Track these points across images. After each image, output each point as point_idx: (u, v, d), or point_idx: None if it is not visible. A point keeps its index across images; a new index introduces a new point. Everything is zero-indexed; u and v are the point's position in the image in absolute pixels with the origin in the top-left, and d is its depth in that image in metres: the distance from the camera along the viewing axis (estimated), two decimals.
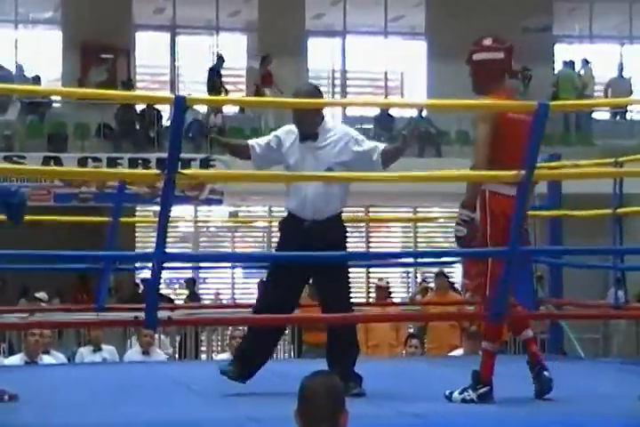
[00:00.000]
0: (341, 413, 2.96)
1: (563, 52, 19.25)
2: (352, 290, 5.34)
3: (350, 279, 5.34)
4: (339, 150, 5.21)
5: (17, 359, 8.03)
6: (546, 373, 4.84)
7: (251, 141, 5.37)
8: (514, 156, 4.58)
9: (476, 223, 4.70)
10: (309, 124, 5.21)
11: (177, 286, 16.31)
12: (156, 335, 9.44)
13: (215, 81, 16.94)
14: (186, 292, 15.22)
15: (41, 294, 12.64)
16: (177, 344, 11.00)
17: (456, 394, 4.79)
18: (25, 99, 15.87)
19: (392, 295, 13.60)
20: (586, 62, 18.51)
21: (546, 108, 4.52)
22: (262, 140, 5.34)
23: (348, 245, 5.37)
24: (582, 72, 18.38)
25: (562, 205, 7.53)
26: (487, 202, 4.71)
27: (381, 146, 5.32)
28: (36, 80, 16.19)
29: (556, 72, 18.50)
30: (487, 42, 5.01)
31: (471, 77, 4.98)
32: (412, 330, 11.05)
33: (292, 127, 5.34)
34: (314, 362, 5.07)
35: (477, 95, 4.92)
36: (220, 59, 17.28)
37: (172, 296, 15.29)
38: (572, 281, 8.27)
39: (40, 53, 17.86)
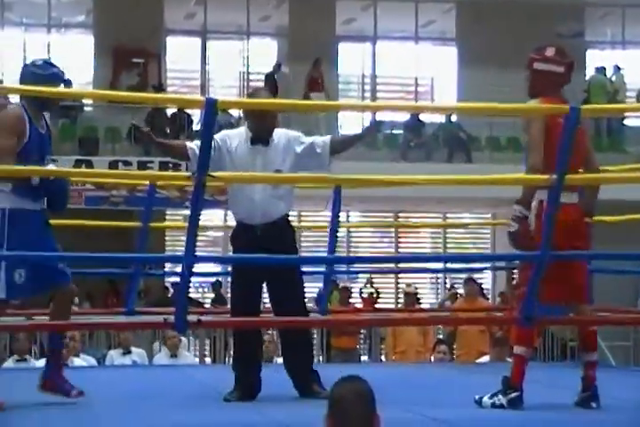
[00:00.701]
0: (374, 418, 2.94)
1: (594, 58, 19.16)
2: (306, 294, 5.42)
3: (304, 283, 5.38)
4: (283, 152, 5.25)
5: None
6: (593, 404, 4.80)
7: (188, 143, 5.25)
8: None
9: (529, 221, 4.69)
10: (269, 128, 5.25)
11: (205, 289, 16.31)
12: (183, 338, 9.44)
13: (271, 87, 16.98)
14: (212, 295, 15.24)
15: None
16: (206, 348, 11.02)
17: (486, 399, 4.78)
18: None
19: (421, 302, 13.55)
20: (617, 69, 18.41)
21: (577, 112, 4.50)
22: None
23: (298, 246, 5.46)
24: (614, 78, 18.28)
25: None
26: (543, 211, 4.68)
27: (325, 138, 5.36)
28: (68, 84, 16.28)
29: (587, 78, 18.40)
30: (550, 53, 4.95)
31: (528, 83, 4.96)
32: (440, 336, 11.02)
33: (237, 131, 5.40)
34: (342, 366, 5.04)
35: (531, 99, 4.90)
36: (278, 65, 17.30)
37: (201, 300, 15.32)
38: (602, 289, 8.21)
39: (72, 57, 17.96)
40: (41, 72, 4.96)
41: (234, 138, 5.30)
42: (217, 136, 5.23)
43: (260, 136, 5.23)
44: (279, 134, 5.31)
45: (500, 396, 4.74)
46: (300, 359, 5.25)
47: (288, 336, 5.33)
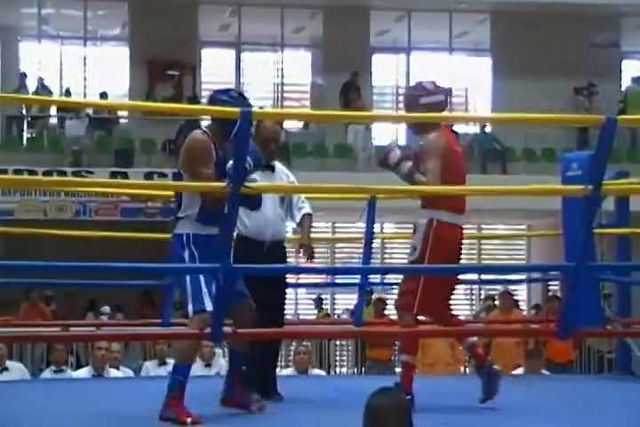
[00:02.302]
0: None
1: (631, 68, 19.05)
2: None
3: None
4: (283, 180, 5.62)
5: (84, 372, 8.12)
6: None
7: None
8: (456, 182, 5.01)
9: (415, 239, 5.01)
10: (273, 153, 5.58)
11: None
12: (218, 350, 9.42)
13: (350, 95, 16.95)
14: None
15: (104, 308, 12.74)
16: None
17: None
18: (93, 114, 16.12)
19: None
20: None
21: (613, 122, 4.48)
22: None
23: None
24: None
25: (630, 222, 7.42)
26: (433, 229, 4.97)
27: (305, 206, 5.75)
28: (104, 96, 16.41)
29: (623, 88, 18.30)
30: (430, 86, 5.22)
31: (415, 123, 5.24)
32: None
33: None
34: (377, 378, 5.05)
35: (419, 135, 5.17)
36: (355, 74, 17.25)
37: None
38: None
39: (108, 70, 18.11)
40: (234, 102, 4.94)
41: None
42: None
43: (267, 161, 5.50)
44: (281, 166, 5.70)
45: None
46: (271, 367, 5.60)
47: (267, 347, 5.56)
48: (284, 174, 5.67)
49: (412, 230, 5.12)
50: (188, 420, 4.59)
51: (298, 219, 5.71)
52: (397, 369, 11.89)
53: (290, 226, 5.79)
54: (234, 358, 5.10)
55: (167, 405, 4.67)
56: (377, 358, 10.95)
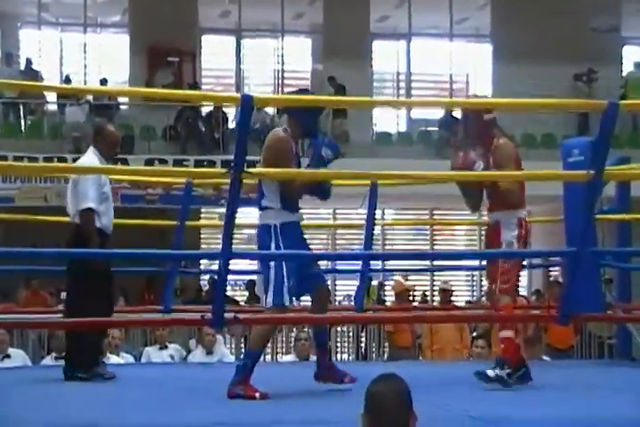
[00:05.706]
0: (410, 416, 2.91)
1: (631, 54, 19.02)
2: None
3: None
4: None
5: None
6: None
7: (93, 207, 5.99)
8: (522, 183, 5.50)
9: (508, 235, 5.46)
10: (117, 154, 6.31)
11: (240, 287, 16.35)
12: (219, 336, 9.45)
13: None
14: (246, 294, 15.26)
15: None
16: (242, 346, 11.04)
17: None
18: (93, 101, 16.08)
19: (453, 299, 13.48)
20: None
21: (615, 107, 4.47)
22: (96, 195, 6.05)
23: None
24: None
25: (631, 208, 7.41)
26: (523, 227, 5.45)
27: None
28: (104, 83, 16.38)
29: (624, 74, 18.28)
30: None
31: (477, 133, 5.87)
32: (474, 334, 10.96)
33: (89, 157, 6.40)
34: (382, 364, 5.10)
35: (478, 145, 5.65)
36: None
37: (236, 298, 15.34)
38: None
39: (108, 57, 18.09)
40: None
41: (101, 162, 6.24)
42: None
43: (114, 155, 6.25)
44: None
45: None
46: (78, 349, 5.86)
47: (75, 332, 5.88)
48: None
49: (488, 228, 5.70)
50: (257, 395, 4.91)
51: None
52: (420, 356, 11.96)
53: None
54: (317, 339, 5.39)
55: (235, 384, 4.96)
56: (400, 344, 10.83)
